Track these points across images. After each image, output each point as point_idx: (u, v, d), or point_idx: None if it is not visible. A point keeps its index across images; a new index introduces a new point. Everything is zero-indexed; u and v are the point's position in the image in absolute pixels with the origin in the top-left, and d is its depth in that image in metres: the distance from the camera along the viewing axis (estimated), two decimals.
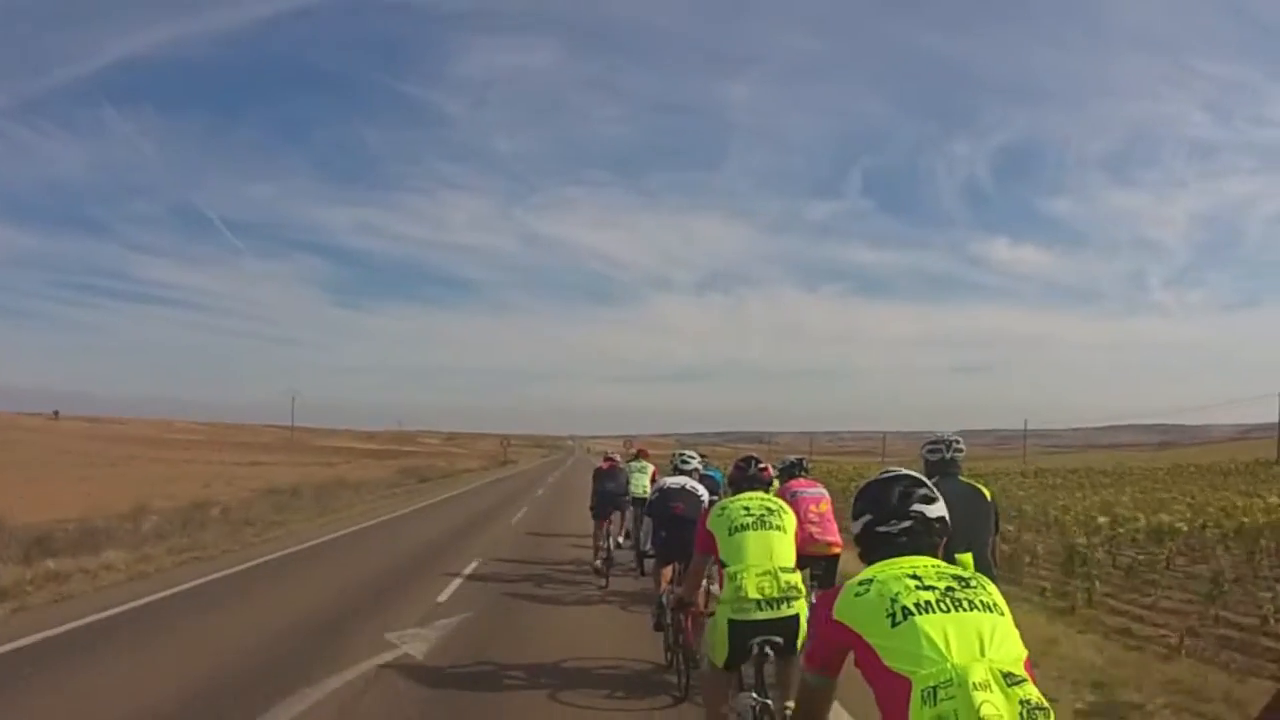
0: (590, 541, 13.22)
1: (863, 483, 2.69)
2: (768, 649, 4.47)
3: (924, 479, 2.57)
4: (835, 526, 7.45)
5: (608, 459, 13.71)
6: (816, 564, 7.12)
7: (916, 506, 2.46)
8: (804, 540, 5.45)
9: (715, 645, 4.58)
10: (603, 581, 11.54)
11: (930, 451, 5.40)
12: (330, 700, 6.35)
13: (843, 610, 2.27)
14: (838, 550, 7.37)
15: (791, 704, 4.08)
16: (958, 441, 5.36)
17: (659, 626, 7.27)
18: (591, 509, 12.82)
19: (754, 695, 4.41)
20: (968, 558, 4.63)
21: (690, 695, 6.24)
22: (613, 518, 12.79)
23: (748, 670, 4.64)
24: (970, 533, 4.67)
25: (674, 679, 6.60)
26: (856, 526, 2.52)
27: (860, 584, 2.28)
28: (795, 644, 4.48)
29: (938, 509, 2.49)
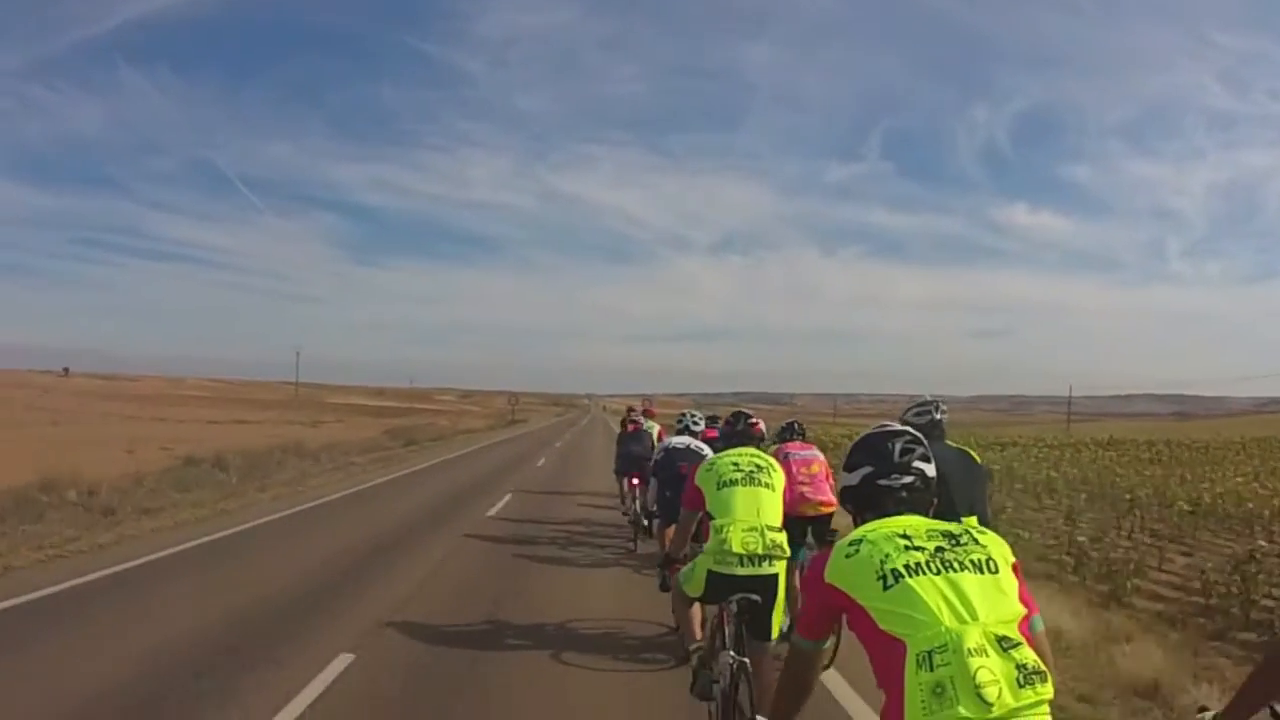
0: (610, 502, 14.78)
1: (860, 435, 2.58)
2: (744, 604, 4.48)
3: (920, 437, 2.49)
4: (827, 486, 7.40)
5: (632, 422, 12.98)
6: (812, 523, 7.14)
7: (918, 463, 2.42)
8: (796, 500, 5.77)
9: (692, 582, 4.65)
10: (631, 544, 11.51)
11: (917, 414, 4.87)
12: None
13: (834, 572, 2.21)
14: (830, 509, 7.26)
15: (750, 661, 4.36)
16: (942, 405, 4.99)
17: (664, 587, 6.26)
18: (615, 471, 13.14)
19: (732, 654, 4.41)
20: (972, 520, 4.10)
21: None
22: (636, 480, 11.97)
23: (728, 631, 4.60)
24: (971, 495, 4.57)
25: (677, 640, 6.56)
26: (853, 478, 2.45)
27: (850, 544, 2.22)
28: (773, 602, 4.50)
29: (933, 468, 2.45)
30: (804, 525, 7.03)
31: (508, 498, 17.58)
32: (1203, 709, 2.52)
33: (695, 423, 8.30)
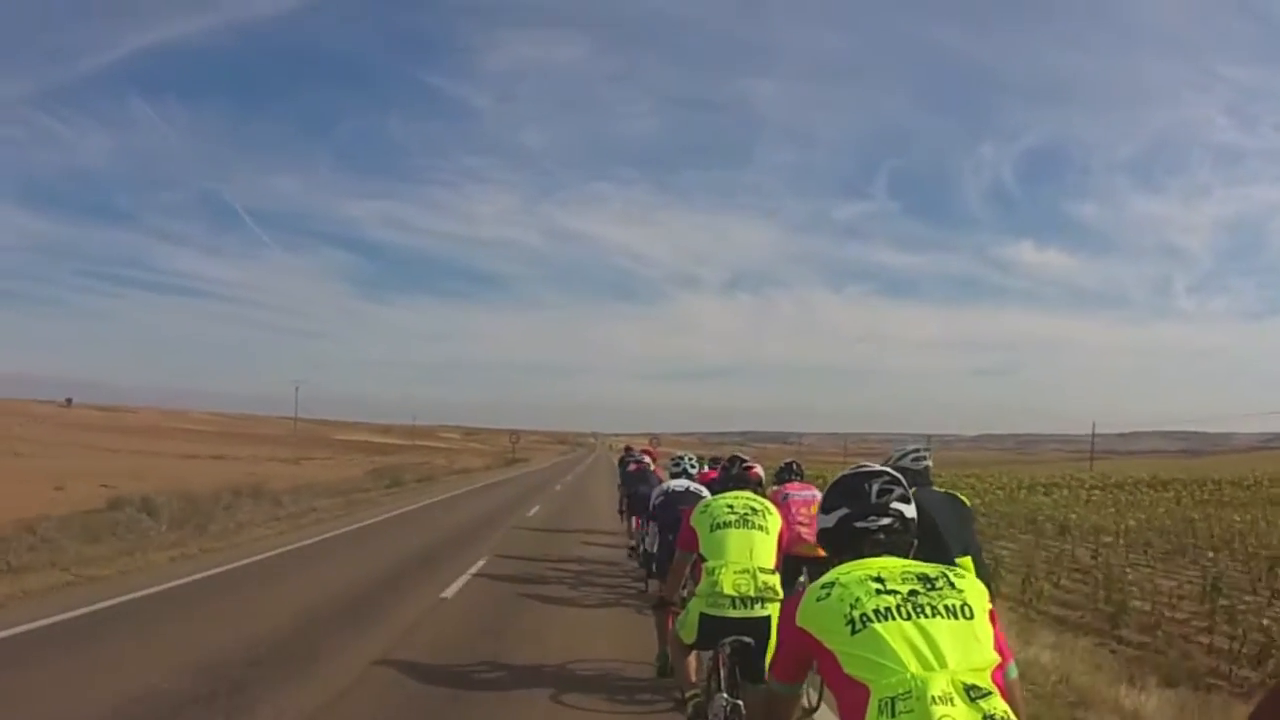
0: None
1: (836, 476, 2.55)
2: (736, 647, 4.51)
3: (899, 477, 2.46)
4: None
5: (636, 463, 12.98)
6: (808, 563, 6.97)
7: (896, 505, 2.38)
8: (793, 539, 5.61)
9: (685, 628, 4.68)
10: (642, 585, 11.00)
11: (914, 460, 4.91)
12: None
13: (805, 616, 2.19)
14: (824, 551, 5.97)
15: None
16: (927, 448, 5.16)
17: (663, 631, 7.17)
18: (621, 511, 15.22)
19: (725, 696, 4.42)
20: (967, 561, 4.25)
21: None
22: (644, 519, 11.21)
23: (721, 674, 4.58)
24: (964, 538, 4.50)
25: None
26: (829, 520, 2.43)
27: (822, 588, 2.19)
28: (766, 645, 4.43)
29: (912, 509, 2.41)
30: (800, 564, 6.86)
31: (480, 564, 13.36)
32: None
33: (692, 465, 8.37)
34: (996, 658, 2.04)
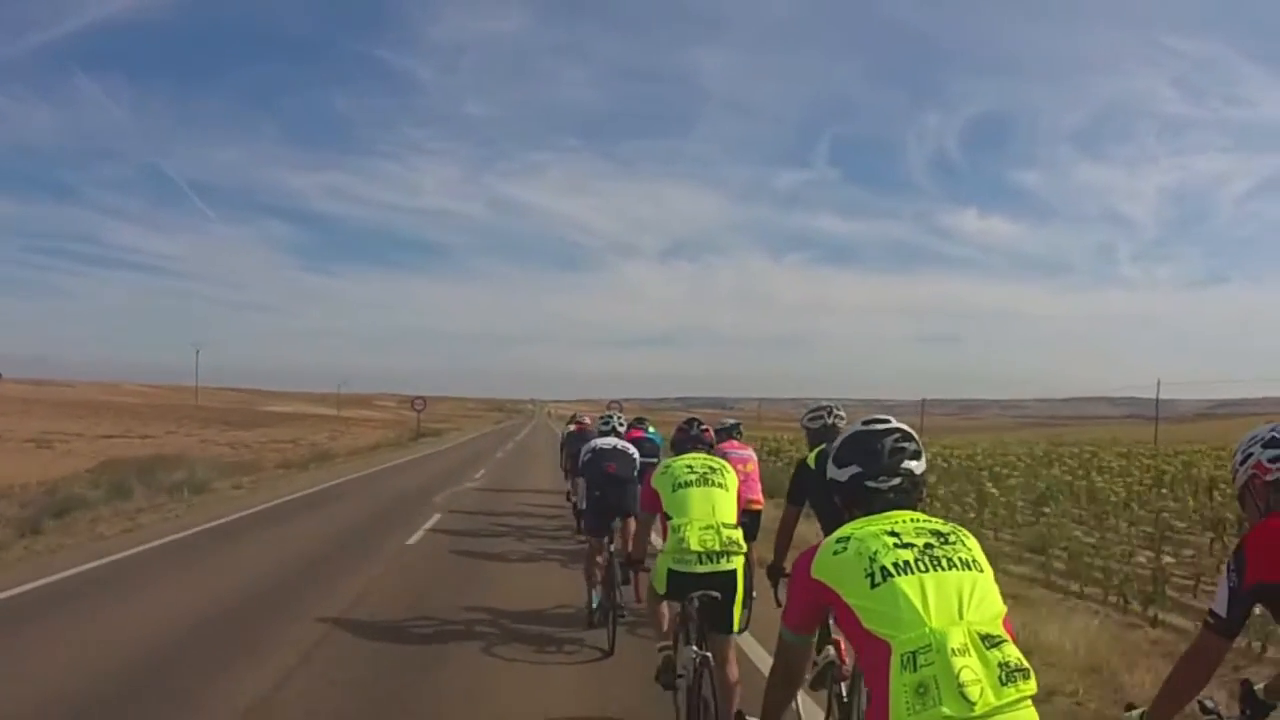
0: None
1: (849, 430, 2.50)
2: (705, 601, 4.64)
3: (912, 432, 2.44)
4: (758, 485, 8.38)
5: (578, 422, 14.39)
6: (741, 515, 6.62)
7: (907, 463, 2.36)
8: None
9: (657, 579, 4.86)
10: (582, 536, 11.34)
11: (811, 419, 5.26)
12: None
13: (821, 568, 2.20)
14: (758, 506, 8.23)
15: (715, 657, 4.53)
16: (838, 409, 5.27)
17: (592, 582, 7.78)
18: (563, 468, 15.30)
19: (694, 649, 4.59)
20: None
21: (617, 650, 6.73)
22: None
23: (691, 628, 4.75)
24: None
25: (603, 634, 6.98)
26: (842, 475, 2.39)
27: (839, 541, 2.20)
28: (733, 598, 4.67)
29: (922, 465, 2.40)
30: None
31: None
32: (1130, 706, 2.57)
33: (620, 424, 8.68)
34: (1004, 607, 2.10)
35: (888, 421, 2.49)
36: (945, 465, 29.07)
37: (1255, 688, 2.74)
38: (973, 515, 16.05)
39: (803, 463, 5.09)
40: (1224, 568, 2.55)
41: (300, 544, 12.85)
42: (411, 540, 13.06)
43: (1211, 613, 2.52)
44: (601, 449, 7.97)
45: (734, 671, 4.62)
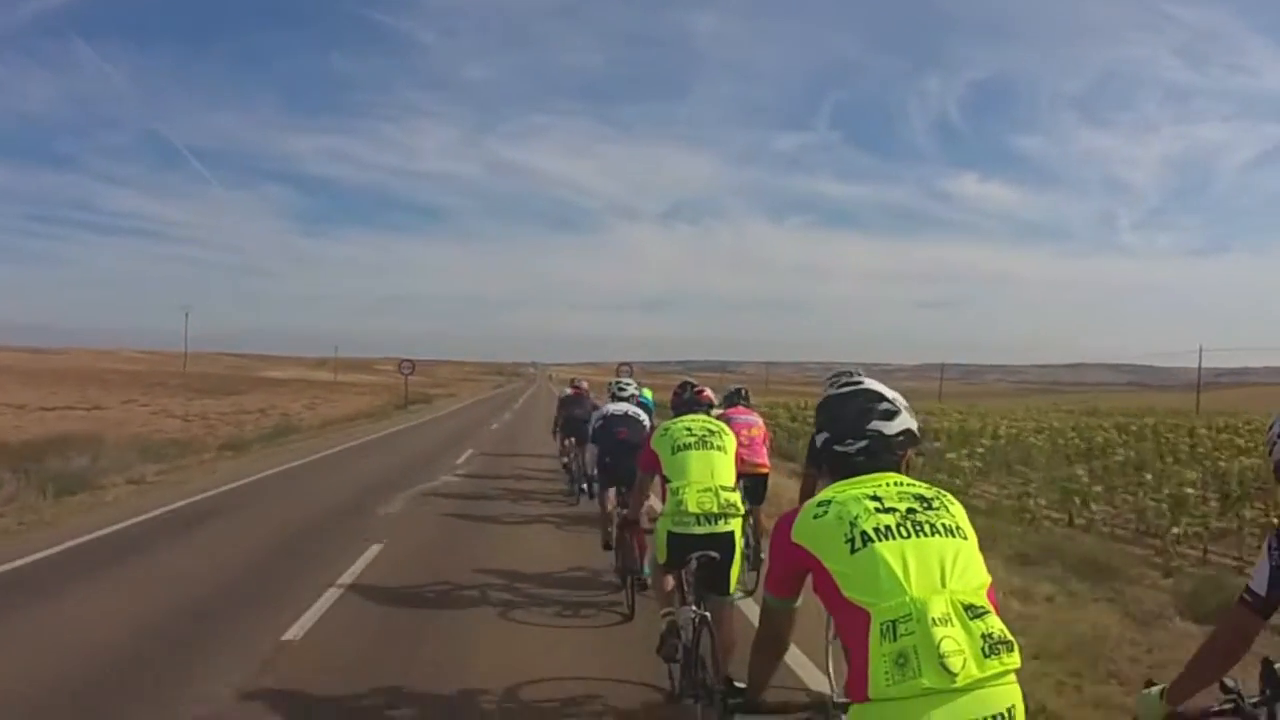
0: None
1: (824, 395, 2.48)
2: (704, 561, 4.68)
3: (884, 392, 2.35)
4: (764, 450, 8.29)
5: (575, 387, 14.28)
6: (748, 480, 7.53)
7: (874, 424, 2.28)
8: (736, 461, 5.46)
9: (658, 548, 4.89)
10: (573, 499, 12.87)
11: (835, 384, 3.96)
12: None
13: (801, 532, 2.15)
14: (765, 470, 8.21)
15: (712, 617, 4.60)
16: (859, 372, 4.23)
17: (607, 546, 8.00)
18: (554, 433, 14.59)
19: (693, 609, 4.66)
20: None
21: (636, 614, 6.73)
22: (579, 441, 12.80)
23: (688, 588, 4.87)
24: None
25: (622, 598, 7.13)
26: (818, 442, 2.36)
27: (819, 505, 2.15)
28: (731, 559, 4.71)
29: (899, 423, 2.29)
30: (741, 480, 7.07)
31: None
32: (1150, 683, 2.49)
33: (621, 389, 8.84)
34: (989, 577, 2.04)
35: (859, 382, 2.41)
36: (999, 439, 26.28)
37: (1276, 666, 2.45)
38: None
39: None
40: (1265, 545, 2.47)
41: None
42: (290, 635, 6.51)
43: (1249, 589, 2.41)
44: (613, 414, 8.14)
45: (731, 632, 4.67)
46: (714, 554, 4.65)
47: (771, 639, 2.39)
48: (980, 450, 20.99)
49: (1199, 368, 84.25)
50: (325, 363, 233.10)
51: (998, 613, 1.95)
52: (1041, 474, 16.89)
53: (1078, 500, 13.81)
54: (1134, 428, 31.77)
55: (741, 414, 8.26)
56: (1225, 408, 66.86)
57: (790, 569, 2.20)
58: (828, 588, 2.03)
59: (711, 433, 5.05)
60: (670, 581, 5.13)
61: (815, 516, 2.12)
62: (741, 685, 2.47)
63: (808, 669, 5.45)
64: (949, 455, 19.11)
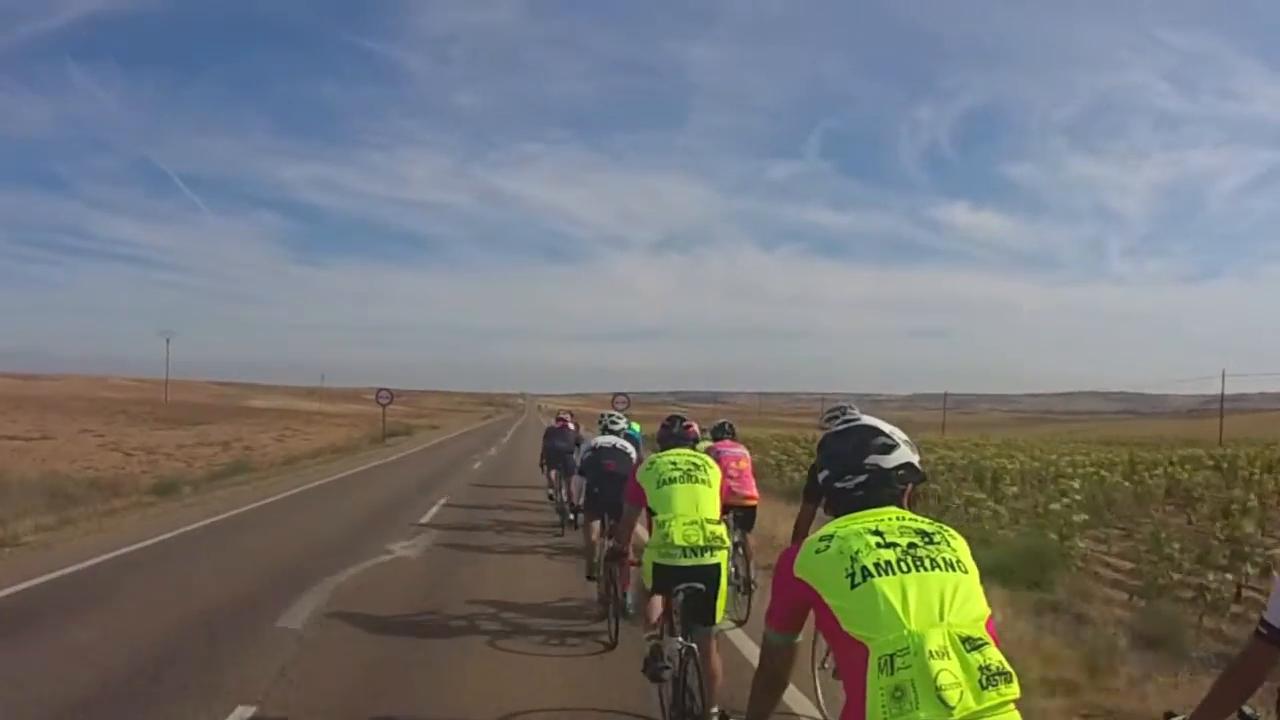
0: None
1: (823, 435, 2.58)
2: (690, 594, 4.73)
3: (882, 427, 2.41)
4: (753, 482, 8.45)
5: (559, 419, 14.75)
6: (736, 511, 7.93)
7: (872, 458, 2.32)
8: (725, 493, 5.71)
9: (645, 579, 4.98)
10: (559, 529, 12.93)
11: (829, 420, 5.55)
12: None
13: (803, 567, 2.17)
14: (753, 502, 8.35)
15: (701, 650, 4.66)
16: (853, 408, 5.52)
17: (591, 576, 8.10)
18: (541, 464, 14.98)
19: (680, 640, 4.71)
20: None
21: (620, 642, 6.82)
22: (563, 473, 13.56)
23: (676, 619, 4.85)
24: None
25: (605, 626, 7.20)
26: (820, 480, 2.41)
27: (821, 540, 2.18)
28: (716, 591, 4.78)
29: (897, 456, 2.33)
30: (730, 511, 7.41)
31: None
32: (1169, 714, 2.46)
33: (614, 422, 8.85)
34: (989, 610, 2.05)
35: (855, 419, 2.52)
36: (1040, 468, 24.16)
37: None
38: None
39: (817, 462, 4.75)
40: (1275, 577, 2.51)
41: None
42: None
43: (1264, 622, 2.38)
44: (601, 447, 8.25)
45: (717, 662, 4.78)
46: (700, 585, 4.73)
47: (772, 675, 2.41)
48: (1070, 491, 17.67)
49: (1221, 394, 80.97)
50: (314, 392, 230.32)
51: (997, 644, 1.96)
52: (1146, 524, 14.98)
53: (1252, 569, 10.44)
54: (1175, 460, 29.67)
55: (729, 447, 8.51)
56: (1235, 434, 65.11)
57: (792, 604, 2.23)
58: (828, 623, 2.05)
59: (697, 466, 5.13)
60: (658, 605, 5.13)
61: (817, 551, 2.14)
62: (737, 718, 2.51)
63: (794, 695, 5.42)
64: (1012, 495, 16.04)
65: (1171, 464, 27.74)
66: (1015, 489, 20.52)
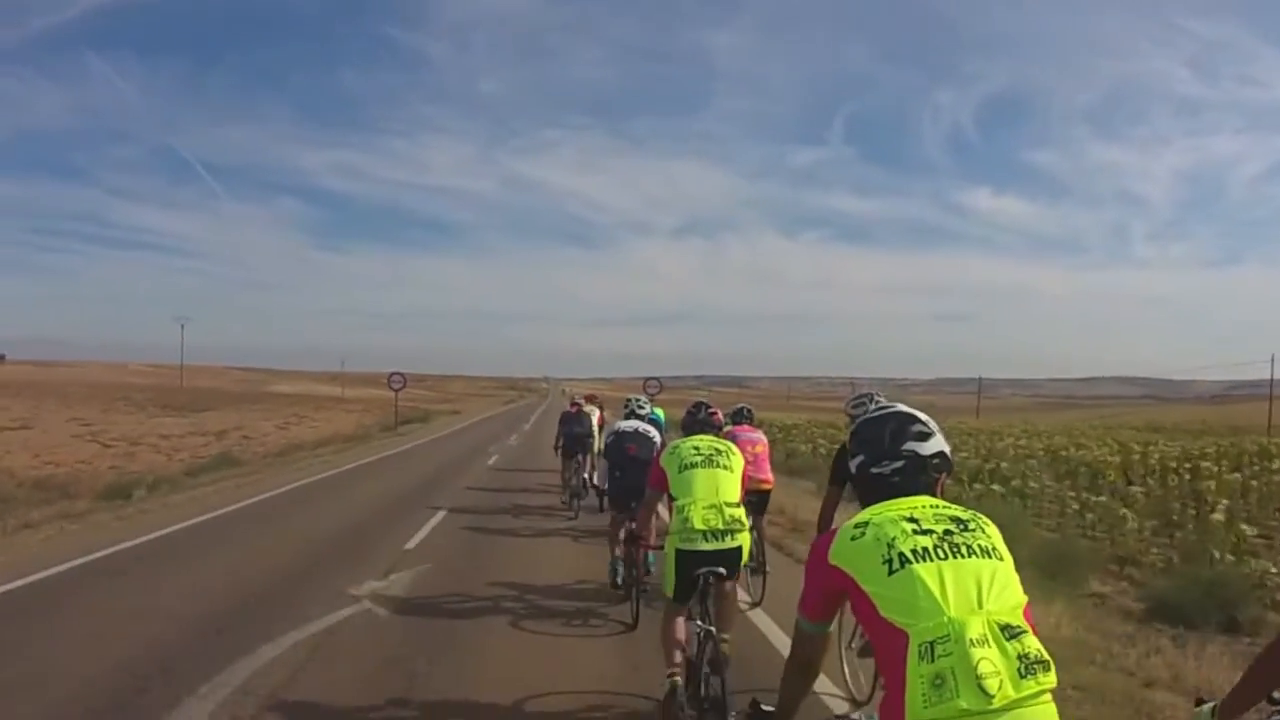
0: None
1: (858, 421, 2.46)
2: (712, 578, 4.78)
3: (918, 414, 2.36)
4: (768, 466, 8.69)
5: (575, 405, 14.24)
6: (751, 494, 7.52)
7: (909, 445, 2.29)
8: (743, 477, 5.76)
9: (665, 577, 4.96)
10: (571, 514, 12.97)
11: (854, 406, 5.60)
12: None
13: (838, 554, 2.14)
14: (768, 486, 8.59)
15: (727, 636, 4.85)
16: (880, 395, 5.52)
17: (615, 585, 7.97)
18: (556, 448, 14.23)
19: (699, 623, 4.73)
20: None
21: (640, 625, 6.88)
22: (579, 458, 13.58)
23: (694, 601, 4.81)
24: None
25: (627, 608, 7.27)
26: (854, 467, 2.36)
27: (856, 527, 2.15)
28: (736, 573, 4.99)
29: (933, 444, 2.30)
30: (746, 498, 7.85)
31: None
32: (1200, 700, 2.43)
33: (640, 407, 9.01)
34: (1025, 597, 2.02)
35: (888, 406, 2.45)
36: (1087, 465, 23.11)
37: None
38: None
39: (844, 445, 4.65)
40: None
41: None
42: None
43: None
44: (623, 431, 8.28)
45: (732, 599, 5.19)
46: (721, 570, 4.79)
47: (803, 663, 2.37)
48: (1208, 492, 15.47)
49: (1270, 379, 76.12)
50: (337, 377, 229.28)
51: (1035, 632, 1.93)
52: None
53: None
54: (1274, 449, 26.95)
55: (746, 432, 8.58)
56: (1260, 420, 63.18)
57: (826, 591, 2.20)
58: (866, 610, 2.04)
59: (719, 452, 5.18)
60: (680, 634, 4.86)
61: (853, 538, 2.12)
62: (768, 709, 2.43)
63: (820, 680, 4.87)
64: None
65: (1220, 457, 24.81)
66: (1137, 488, 18.02)
